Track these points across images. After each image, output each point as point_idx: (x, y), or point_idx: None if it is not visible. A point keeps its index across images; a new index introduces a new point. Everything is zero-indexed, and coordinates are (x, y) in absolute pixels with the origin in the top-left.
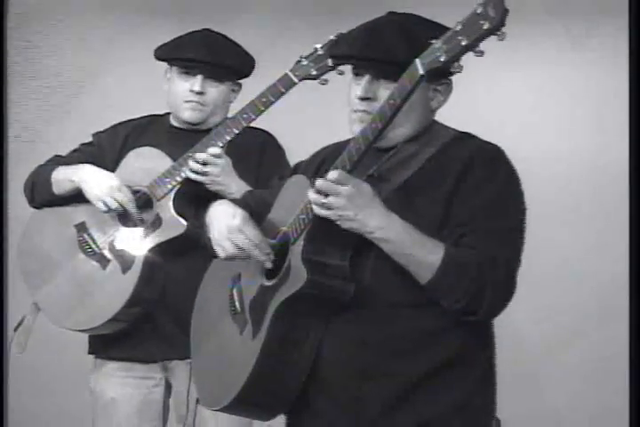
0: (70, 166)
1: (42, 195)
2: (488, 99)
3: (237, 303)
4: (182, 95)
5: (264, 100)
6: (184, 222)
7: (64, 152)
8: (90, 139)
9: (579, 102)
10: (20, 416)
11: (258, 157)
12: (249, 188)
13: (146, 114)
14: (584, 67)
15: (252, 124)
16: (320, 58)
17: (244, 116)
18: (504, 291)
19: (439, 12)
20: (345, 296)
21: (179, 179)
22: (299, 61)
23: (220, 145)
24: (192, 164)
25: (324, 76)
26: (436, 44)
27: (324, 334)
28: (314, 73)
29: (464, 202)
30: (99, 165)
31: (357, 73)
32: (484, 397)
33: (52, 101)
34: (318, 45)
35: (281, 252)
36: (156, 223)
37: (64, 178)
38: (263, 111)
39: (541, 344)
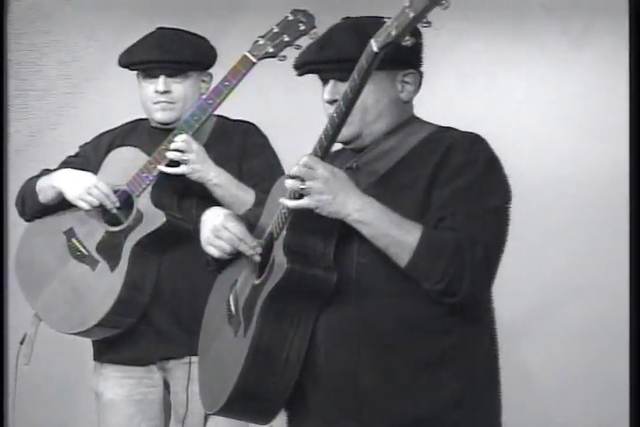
0: (50, 174)
1: (31, 206)
2: (486, 98)
3: (232, 307)
4: (150, 97)
5: (226, 83)
6: (163, 214)
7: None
8: (77, 150)
9: (578, 102)
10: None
11: (240, 146)
12: (226, 173)
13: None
14: (584, 67)
15: (236, 117)
16: (276, 35)
17: (209, 101)
18: (483, 273)
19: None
20: (328, 286)
21: (155, 173)
22: (256, 41)
23: (190, 133)
24: (170, 154)
25: (282, 53)
26: (388, 22)
27: (315, 329)
28: (271, 51)
29: (444, 186)
30: None
31: (323, 79)
32: (486, 389)
33: (51, 105)
34: (274, 24)
35: (268, 249)
36: (138, 219)
37: (46, 185)
38: (227, 95)
39: (542, 345)
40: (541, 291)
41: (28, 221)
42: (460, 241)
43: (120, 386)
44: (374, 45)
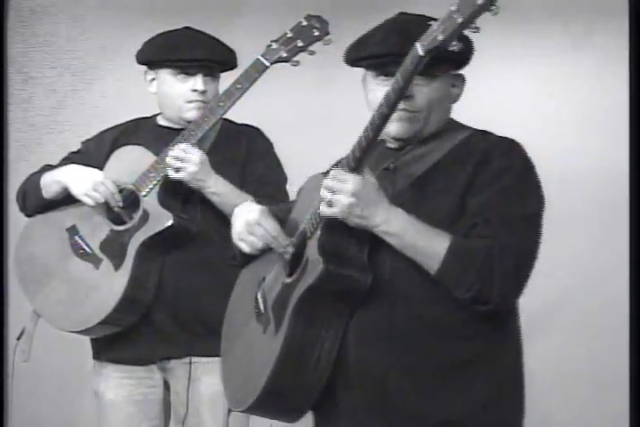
0: (56, 169)
1: (33, 201)
2: (487, 98)
3: (261, 305)
4: (184, 96)
5: (238, 86)
6: (170, 215)
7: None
8: (79, 146)
9: (578, 102)
10: (22, 421)
11: (245, 150)
12: (226, 182)
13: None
14: (584, 66)
15: (241, 121)
16: (289, 40)
17: (220, 104)
18: (515, 279)
19: (439, 13)
20: (362, 287)
21: (162, 173)
22: (269, 46)
23: (200, 135)
24: (168, 160)
25: (295, 58)
26: (434, 25)
27: (347, 331)
28: (284, 55)
29: (479, 192)
30: None
31: (385, 73)
32: (512, 393)
33: (51, 105)
34: (288, 29)
35: (300, 248)
36: (144, 218)
37: (51, 180)
38: (238, 97)
39: (541, 344)
40: (541, 291)
41: (28, 216)
42: (491, 249)
43: (121, 386)
44: (420, 49)
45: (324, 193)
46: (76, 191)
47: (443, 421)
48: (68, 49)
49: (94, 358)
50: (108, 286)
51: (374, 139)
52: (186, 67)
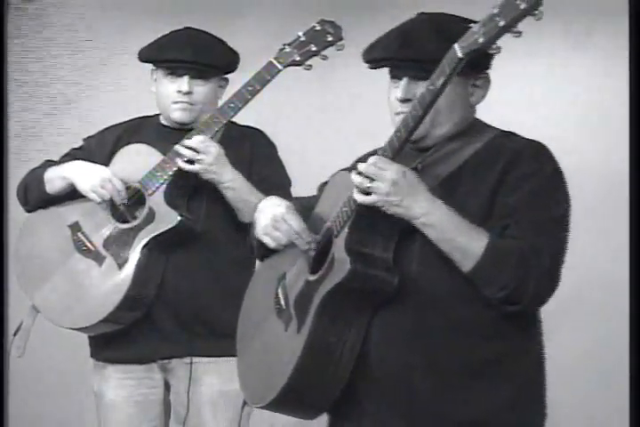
0: (61, 165)
1: (35, 196)
2: (487, 98)
3: (282, 301)
4: (170, 96)
5: (250, 88)
6: (177, 214)
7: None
8: (81, 143)
9: (579, 102)
10: (21, 419)
11: (249, 152)
12: (243, 178)
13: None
14: (584, 67)
15: (245, 123)
16: (303, 44)
17: (231, 105)
18: (548, 282)
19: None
20: (388, 287)
21: (170, 172)
22: (282, 49)
23: (210, 136)
24: (183, 150)
25: (308, 62)
26: (474, 27)
27: (369, 329)
28: (298, 59)
29: (508, 194)
30: None
31: (395, 76)
32: (536, 393)
33: (52, 99)
34: (300, 33)
35: (325, 246)
36: (150, 217)
37: (56, 176)
38: (250, 100)
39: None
40: None
41: (29, 211)
42: (525, 251)
43: (121, 387)
44: (459, 51)
45: (361, 180)
46: (83, 187)
47: (467, 420)
48: (69, 49)
49: (93, 357)
50: (110, 283)
51: (406, 140)
52: (173, 68)
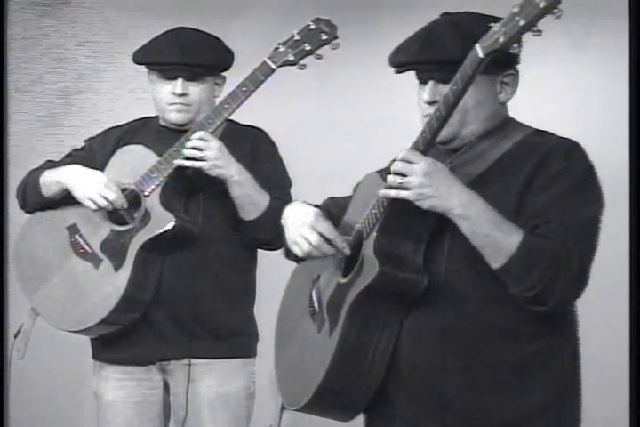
0: (57, 169)
1: (32, 199)
2: None
3: (316, 303)
4: (166, 98)
5: (244, 88)
6: (172, 216)
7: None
8: (83, 144)
9: (579, 102)
10: (21, 420)
11: (250, 151)
12: (246, 172)
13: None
14: (584, 67)
15: (245, 122)
16: (297, 44)
17: (225, 106)
18: (577, 283)
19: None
20: (418, 289)
21: (165, 174)
22: (276, 48)
23: None
24: (187, 151)
25: (302, 62)
26: (495, 27)
27: (400, 331)
28: (291, 59)
29: (539, 193)
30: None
31: (421, 79)
32: (570, 395)
33: (51, 105)
34: (295, 31)
35: (356, 248)
36: (146, 219)
37: (51, 180)
38: (244, 100)
39: None
40: None
41: (29, 212)
42: (558, 251)
43: (120, 388)
44: (480, 51)
45: (393, 179)
46: (79, 195)
47: (500, 422)
48: (69, 49)
49: (93, 357)
50: (107, 285)
51: (432, 141)
52: (166, 70)
